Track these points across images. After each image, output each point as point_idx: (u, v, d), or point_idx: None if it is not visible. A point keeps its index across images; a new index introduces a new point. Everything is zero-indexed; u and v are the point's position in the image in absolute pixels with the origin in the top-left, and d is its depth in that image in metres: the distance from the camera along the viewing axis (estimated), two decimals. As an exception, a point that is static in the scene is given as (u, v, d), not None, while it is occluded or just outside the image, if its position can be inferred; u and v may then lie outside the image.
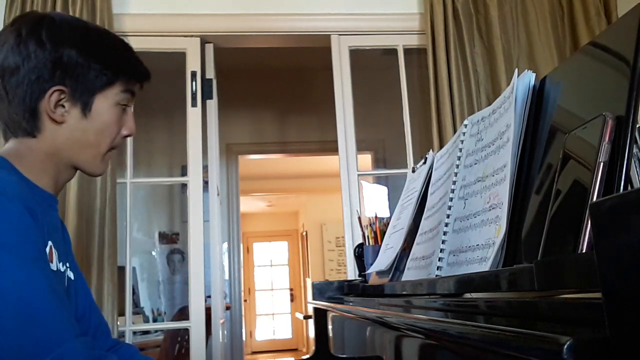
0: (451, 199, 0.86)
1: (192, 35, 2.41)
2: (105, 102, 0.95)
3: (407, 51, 2.53)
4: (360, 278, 1.55)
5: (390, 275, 1.16)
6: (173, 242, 3.96)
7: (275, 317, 9.51)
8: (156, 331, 3.40)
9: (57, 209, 0.99)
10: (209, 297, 2.51)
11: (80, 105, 0.93)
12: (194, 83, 2.38)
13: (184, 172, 2.51)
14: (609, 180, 0.49)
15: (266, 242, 9.65)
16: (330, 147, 2.95)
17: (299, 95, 4.21)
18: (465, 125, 0.92)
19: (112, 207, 2.17)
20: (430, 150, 1.20)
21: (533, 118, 0.71)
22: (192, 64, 2.40)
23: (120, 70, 0.96)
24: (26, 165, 0.91)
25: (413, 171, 1.28)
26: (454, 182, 0.87)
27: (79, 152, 0.95)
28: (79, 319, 1.02)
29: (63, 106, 0.92)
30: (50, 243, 0.86)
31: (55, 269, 0.87)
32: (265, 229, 9.50)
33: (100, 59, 0.94)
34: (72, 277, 1.01)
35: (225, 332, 3.04)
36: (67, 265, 0.99)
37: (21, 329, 0.74)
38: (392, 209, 1.50)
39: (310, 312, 1.51)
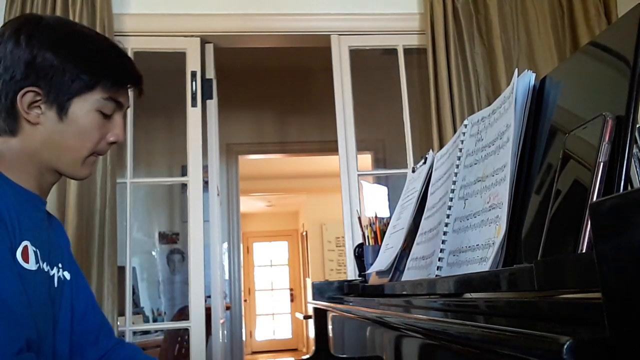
0: (451, 199, 0.86)
1: (192, 35, 2.41)
2: (84, 107, 0.93)
3: (407, 51, 2.53)
4: (360, 278, 1.55)
5: (390, 275, 1.16)
6: (173, 242, 3.97)
7: (275, 317, 9.51)
8: (156, 331, 3.40)
9: (43, 210, 0.98)
10: (209, 297, 2.51)
11: (55, 108, 0.91)
12: (194, 83, 2.38)
13: (184, 172, 2.51)
14: (609, 180, 0.49)
15: (266, 242, 9.65)
16: (330, 147, 2.95)
17: (299, 95, 4.21)
18: (465, 125, 0.91)
19: (112, 207, 2.17)
20: (430, 150, 1.20)
21: (533, 118, 0.71)
22: (192, 64, 2.40)
23: (101, 76, 0.94)
24: (7, 164, 0.91)
25: (413, 171, 1.28)
26: (454, 182, 0.87)
27: (58, 155, 0.94)
28: (79, 319, 1.02)
29: (40, 108, 0.91)
30: (25, 243, 0.86)
31: (33, 268, 0.87)
32: (265, 229, 9.50)
33: (78, 63, 0.92)
34: (68, 277, 1.00)
35: (225, 332, 3.04)
36: (60, 265, 0.98)
37: None
38: (392, 209, 1.50)
39: (310, 312, 1.51)
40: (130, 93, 1.02)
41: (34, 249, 0.88)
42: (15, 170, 0.92)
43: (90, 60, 0.93)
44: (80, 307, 1.03)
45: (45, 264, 0.92)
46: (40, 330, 0.85)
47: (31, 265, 0.86)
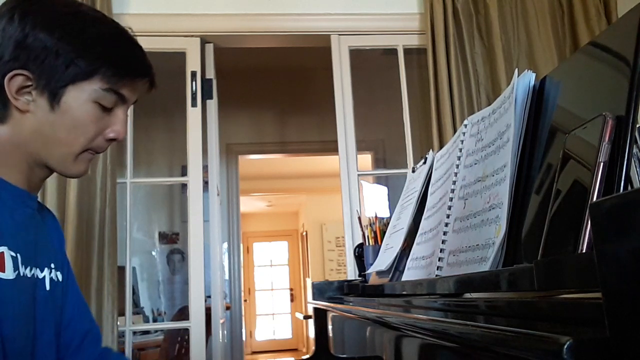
0: (451, 199, 0.86)
1: (192, 35, 2.41)
2: (79, 97, 0.83)
3: (407, 51, 2.53)
4: (360, 278, 1.55)
5: (390, 275, 1.16)
6: (173, 242, 3.97)
7: (275, 317, 9.51)
8: (156, 331, 3.40)
9: (32, 207, 0.89)
10: (209, 297, 2.51)
11: (47, 95, 0.82)
12: (194, 83, 2.38)
13: (184, 172, 2.51)
14: (609, 180, 0.49)
15: (266, 242, 9.65)
16: (330, 147, 2.95)
17: (299, 95, 4.21)
18: (465, 125, 0.91)
19: (112, 207, 2.17)
20: (430, 150, 1.20)
21: (533, 118, 0.71)
22: (192, 64, 2.40)
23: (100, 63, 0.83)
24: None
25: (413, 171, 1.28)
26: (454, 182, 0.87)
27: (48, 149, 0.84)
28: (65, 325, 0.95)
29: (30, 94, 0.82)
30: (1, 249, 0.78)
31: (10, 277, 0.78)
32: (265, 229, 9.50)
33: (75, 47, 0.81)
34: (60, 279, 0.93)
35: (225, 332, 3.04)
36: (53, 265, 0.91)
37: None
38: (392, 209, 1.50)
39: (310, 312, 1.51)
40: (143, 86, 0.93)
41: (13, 253, 0.80)
42: (2, 163, 0.84)
43: (89, 45, 0.83)
44: (68, 312, 0.96)
45: (28, 268, 0.84)
46: (14, 346, 0.79)
47: (7, 275, 0.78)
